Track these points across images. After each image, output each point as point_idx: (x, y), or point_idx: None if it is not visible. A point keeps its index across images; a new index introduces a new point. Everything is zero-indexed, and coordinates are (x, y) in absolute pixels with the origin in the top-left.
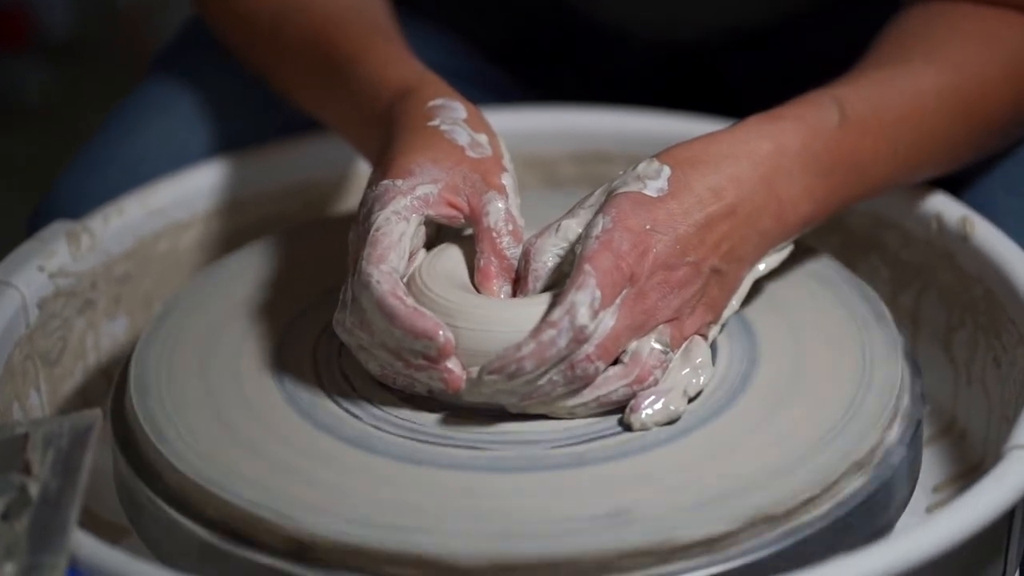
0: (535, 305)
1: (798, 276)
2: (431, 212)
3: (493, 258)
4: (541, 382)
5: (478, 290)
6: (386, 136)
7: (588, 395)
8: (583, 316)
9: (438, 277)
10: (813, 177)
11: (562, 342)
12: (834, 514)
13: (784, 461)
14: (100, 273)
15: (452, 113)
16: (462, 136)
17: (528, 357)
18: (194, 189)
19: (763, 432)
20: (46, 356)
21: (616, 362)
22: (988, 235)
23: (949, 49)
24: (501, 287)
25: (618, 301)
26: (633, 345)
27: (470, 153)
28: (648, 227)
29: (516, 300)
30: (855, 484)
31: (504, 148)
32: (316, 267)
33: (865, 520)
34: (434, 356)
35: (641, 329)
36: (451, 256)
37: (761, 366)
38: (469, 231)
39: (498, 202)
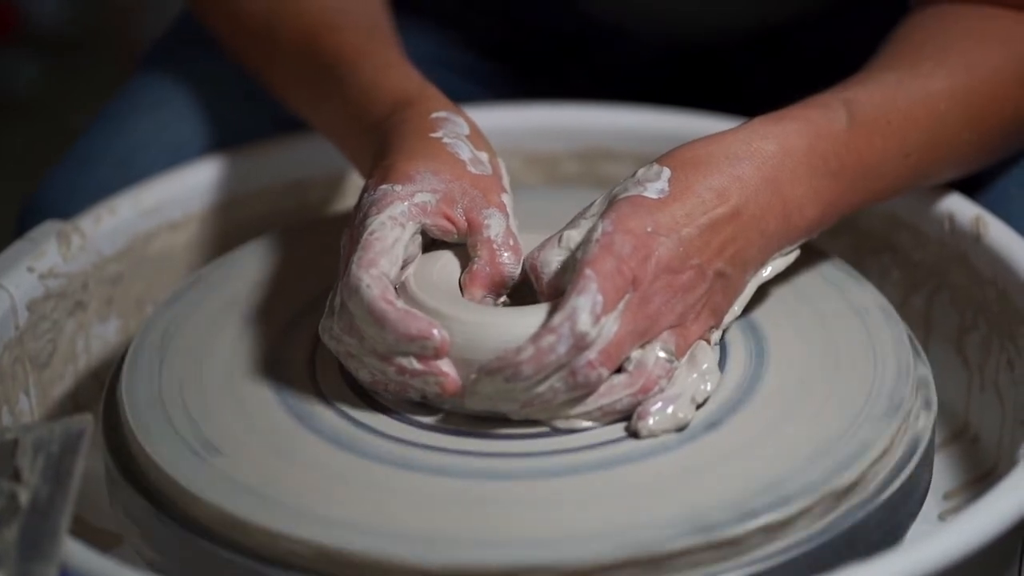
0: (531, 314)
1: (809, 280)
2: (427, 221)
3: (488, 267)
4: (541, 389)
5: (462, 290)
6: (383, 143)
7: (592, 404)
8: (584, 323)
9: (428, 284)
10: (820, 179)
11: (561, 349)
12: (843, 522)
13: (790, 469)
14: (91, 274)
15: (455, 128)
16: (464, 151)
17: (527, 362)
18: (187, 188)
19: (769, 439)
20: (36, 359)
21: (620, 370)
22: (1002, 235)
23: (960, 51)
24: (485, 296)
25: (621, 306)
26: (638, 354)
27: (471, 169)
28: (649, 229)
29: (512, 308)
30: (864, 493)
31: (504, 169)
32: (312, 268)
33: (876, 529)
34: (430, 355)
35: (645, 335)
36: (442, 265)
37: (769, 372)
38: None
39: (499, 217)
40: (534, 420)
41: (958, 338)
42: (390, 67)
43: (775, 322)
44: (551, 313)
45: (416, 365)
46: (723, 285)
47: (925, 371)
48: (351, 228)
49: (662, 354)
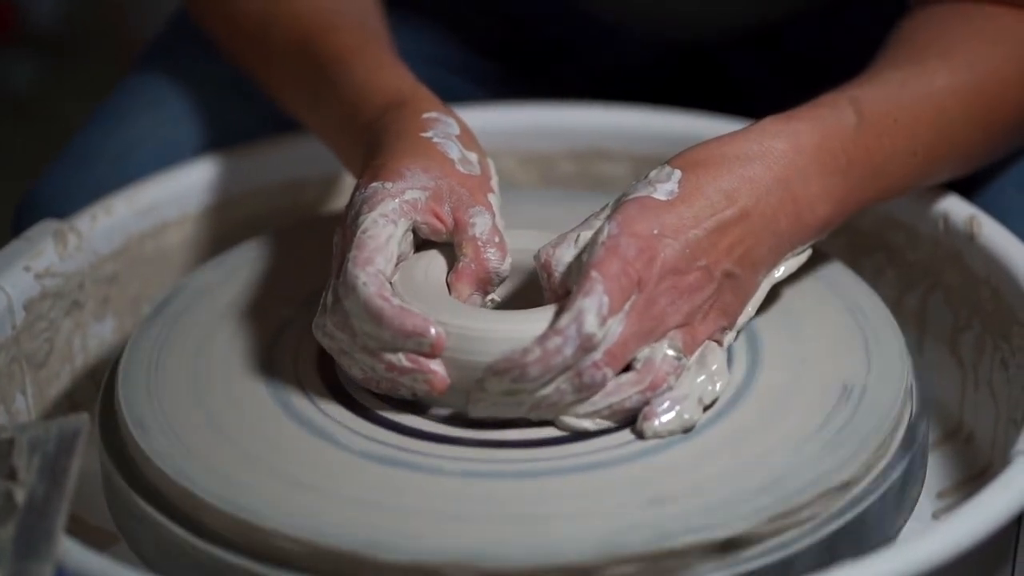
0: (531, 319)
1: (804, 280)
2: (418, 218)
3: (473, 265)
4: (547, 391)
5: (450, 289)
6: (375, 143)
7: (600, 402)
8: (591, 324)
9: (416, 286)
10: (830, 177)
11: (568, 351)
12: (834, 523)
13: (781, 468)
14: (87, 273)
15: (445, 128)
16: (453, 151)
17: (533, 363)
18: (183, 187)
19: (761, 439)
20: (32, 358)
21: (628, 368)
22: (995, 235)
23: (965, 49)
24: (471, 294)
25: (626, 307)
26: (645, 352)
27: (460, 168)
28: (655, 231)
29: (511, 312)
30: (855, 492)
31: (493, 170)
32: (308, 267)
33: (868, 528)
34: (426, 351)
35: (650, 336)
36: (433, 266)
37: (763, 372)
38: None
39: (485, 215)
40: (536, 422)
41: (952, 337)
42: (382, 68)
43: (769, 323)
44: (557, 315)
45: (405, 363)
46: (732, 286)
47: (920, 374)
48: (343, 227)
49: (670, 352)
